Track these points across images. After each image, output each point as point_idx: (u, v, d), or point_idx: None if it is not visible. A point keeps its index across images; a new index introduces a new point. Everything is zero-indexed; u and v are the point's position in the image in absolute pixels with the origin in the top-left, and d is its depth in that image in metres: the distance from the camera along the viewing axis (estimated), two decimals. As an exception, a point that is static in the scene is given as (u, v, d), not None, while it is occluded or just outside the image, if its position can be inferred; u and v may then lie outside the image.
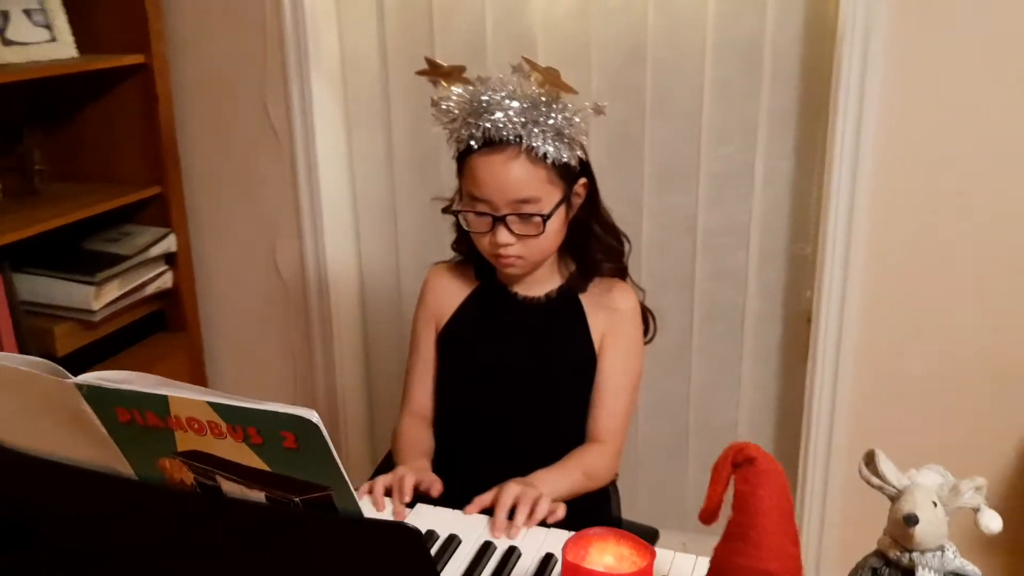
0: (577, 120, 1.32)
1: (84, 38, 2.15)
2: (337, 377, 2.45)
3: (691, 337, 2.22)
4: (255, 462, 0.79)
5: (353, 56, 2.29)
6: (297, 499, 0.81)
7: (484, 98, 1.30)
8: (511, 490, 1.21)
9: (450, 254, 2.30)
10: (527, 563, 1.13)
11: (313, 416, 0.73)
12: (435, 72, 1.37)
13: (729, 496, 0.89)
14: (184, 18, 2.24)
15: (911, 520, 0.78)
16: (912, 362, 1.97)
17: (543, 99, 1.31)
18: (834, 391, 2.04)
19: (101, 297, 2.10)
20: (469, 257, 1.52)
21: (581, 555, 0.90)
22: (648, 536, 1.51)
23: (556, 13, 2.11)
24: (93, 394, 0.80)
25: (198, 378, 2.45)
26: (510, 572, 1.12)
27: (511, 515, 1.20)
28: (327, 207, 2.30)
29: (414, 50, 2.24)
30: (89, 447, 0.86)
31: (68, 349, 2.10)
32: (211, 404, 0.76)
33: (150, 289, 2.26)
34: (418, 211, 2.37)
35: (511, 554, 1.14)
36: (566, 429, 1.47)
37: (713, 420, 2.27)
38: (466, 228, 1.38)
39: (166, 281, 2.31)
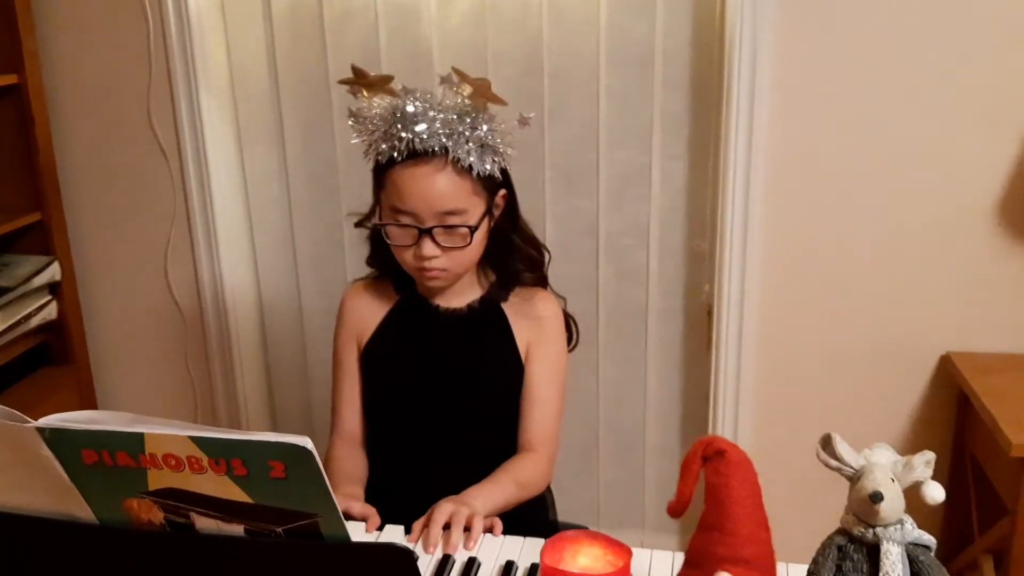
0: (502, 130, 1.33)
1: (-54, 58, 2.01)
2: (239, 402, 2.37)
3: (597, 336, 2.27)
4: (236, 495, 0.77)
5: (241, 71, 2.23)
6: (279, 529, 0.79)
7: (409, 109, 1.29)
8: (444, 509, 1.20)
9: (352, 270, 2.31)
10: (488, 572, 1.13)
11: (308, 443, 0.71)
12: (360, 81, 1.34)
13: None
14: (58, 36, 2.13)
15: (877, 497, 0.83)
16: (809, 348, 2.08)
17: (469, 110, 1.31)
18: (737, 378, 2.13)
19: (-16, 333, 1.96)
20: (386, 272, 1.50)
21: (557, 559, 0.91)
22: (579, 535, 1.54)
23: (451, 23, 2.12)
24: (56, 437, 0.76)
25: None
26: (474, 583, 1.12)
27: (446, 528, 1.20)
28: (222, 226, 2.23)
29: (305, 64, 2.21)
30: (48, 493, 0.81)
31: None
32: (193, 439, 0.73)
33: (34, 321, 2.13)
34: (316, 228, 2.33)
35: (471, 566, 1.14)
36: (496, 438, 1.47)
37: (622, 415, 2.33)
38: (388, 242, 1.36)
39: (50, 312, 2.19)
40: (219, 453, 0.73)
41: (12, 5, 2.01)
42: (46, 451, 0.77)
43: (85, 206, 2.25)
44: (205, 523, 0.80)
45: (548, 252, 1.50)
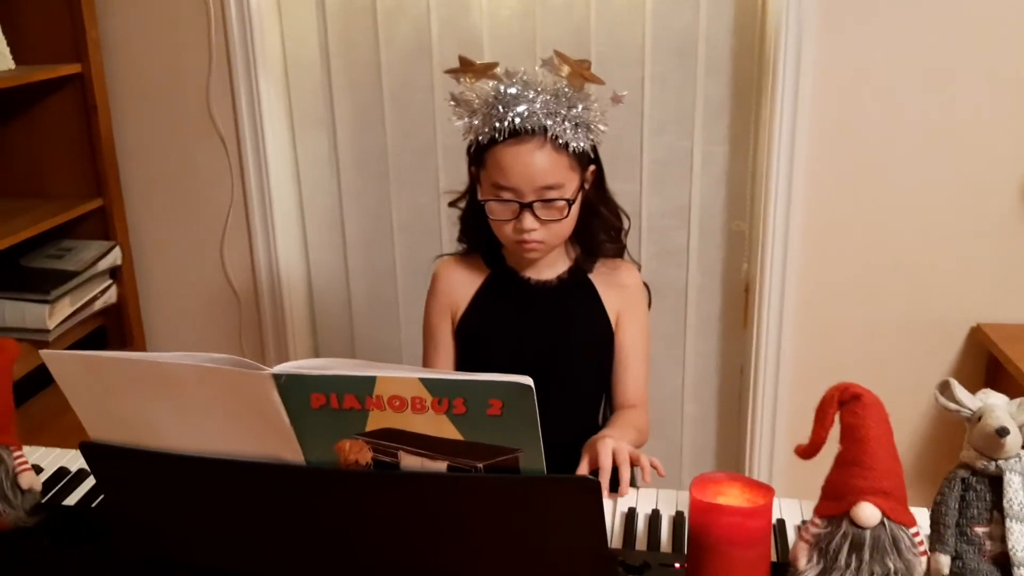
0: (596, 108, 1.42)
1: (14, 49, 2.05)
2: (290, 381, 2.44)
3: (638, 315, 2.36)
4: (448, 432, 0.85)
5: (295, 59, 2.30)
6: (480, 464, 0.88)
7: (511, 91, 1.37)
8: (605, 450, 1.28)
9: (400, 252, 2.39)
10: (609, 520, 1.22)
11: (529, 381, 0.80)
12: (469, 70, 1.42)
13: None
14: (121, 26, 2.18)
15: (1004, 432, 0.93)
16: (845, 322, 2.19)
17: (565, 91, 1.40)
18: (778, 353, 2.24)
19: (55, 315, 2.02)
20: (476, 247, 1.58)
21: (707, 494, 1.01)
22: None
23: (501, 14, 2.20)
24: (291, 383, 0.84)
25: (144, 394, 2.38)
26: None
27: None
28: (279, 210, 2.30)
29: (356, 52, 2.28)
30: (259, 439, 0.89)
31: (21, 373, 2.00)
32: (422, 380, 0.81)
33: (98, 305, 2.19)
34: (364, 211, 2.40)
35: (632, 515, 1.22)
36: (589, 404, 1.57)
37: (661, 388, 2.43)
38: (490, 217, 1.44)
39: (111, 296, 2.24)
40: (444, 392, 0.82)
41: (76, -5, 2.07)
42: (275, 396, 0.85)
43: (144, 192, 2.31)
44: (411, 461, 0.88)
45: (628, 218, 1.59)
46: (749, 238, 2.26)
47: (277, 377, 0.83)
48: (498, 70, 1.42)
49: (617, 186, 2.25)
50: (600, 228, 1.54)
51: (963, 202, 2.06)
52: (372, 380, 0.82)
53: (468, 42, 2.22)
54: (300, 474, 0.90)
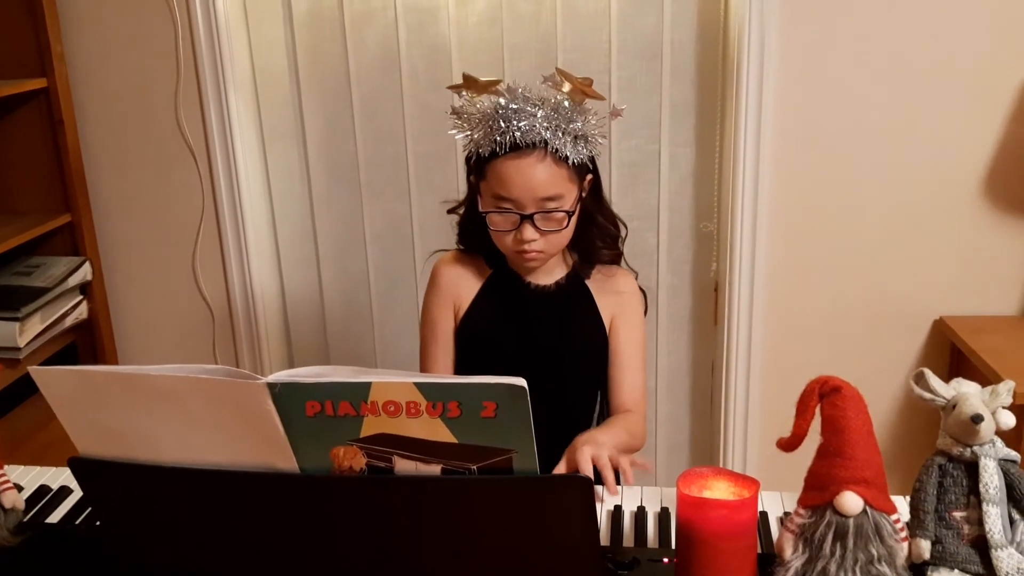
0: (594, 123, 1.45)
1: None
2: (265, 393, 2.43)
3: (611, 316, 2.39)
4: (442, 435, 0.86)
5: (264, 70, 2.30)
6: (474, 466, 0.89)
7: (512, 107, 1.39)
8: (585, 453, 1.29)
9: (372, 261, 2.39)
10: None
11: (523, 382, 0.81)
12: (472, 86, 1.44)
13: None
14: (85, 39, 2.17)
15: (978, 419, 0.97)
16: (812, 318, 2.24)
17: (565, 105, 1.42)
18: (749, 350, 2.28)
19: (26, 332, 2.00)
20: (475, 249, 1.59)
21: (692, 489, 1.03)
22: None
23: (469, 21, 2.22)
24: (286, 391, 0.84)
25: (117, 410, 2.36)
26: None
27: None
28: (250, 223, 2.29)
29: (325, 62, 2.28)
30: (253, 448, 0.90)
31: (-7, 392, 1.98)
32: (417, 384, 0.82)
33: (68, 321, 2.17)
34: (336, 222, 2.41)
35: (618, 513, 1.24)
36: (584, 408, 1.59)
37: (636, 391, 2.46)
38: (491, 228, 1.46)
39: (82, 312, 2.22)
40: (438, 396, 0.83)
41: (39, 9, 2.05)
42: (269, 405, 0.85)
43: (114, 207, 2.29)
44: (405, 465, 0.89)
45: (625, 227, 1.61)
46: (717, 238, 2.30)
47: (272, 386, 0.84)
48: (501, 86, 1.44)
49: (587, 190, 2.33)
50: (597, 236, 1.57)
51: (925, 197, 2.12)
52: (367, 386, 0.83)
53: (436, 50, 2.24)
54: (295, 482, 0.91)
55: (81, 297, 2.21)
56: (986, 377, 1.92)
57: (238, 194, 2.25)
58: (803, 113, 2.10)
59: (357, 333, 2.48)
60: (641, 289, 1.63)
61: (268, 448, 0.89)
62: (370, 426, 0.87)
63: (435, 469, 0.90)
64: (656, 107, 2.25)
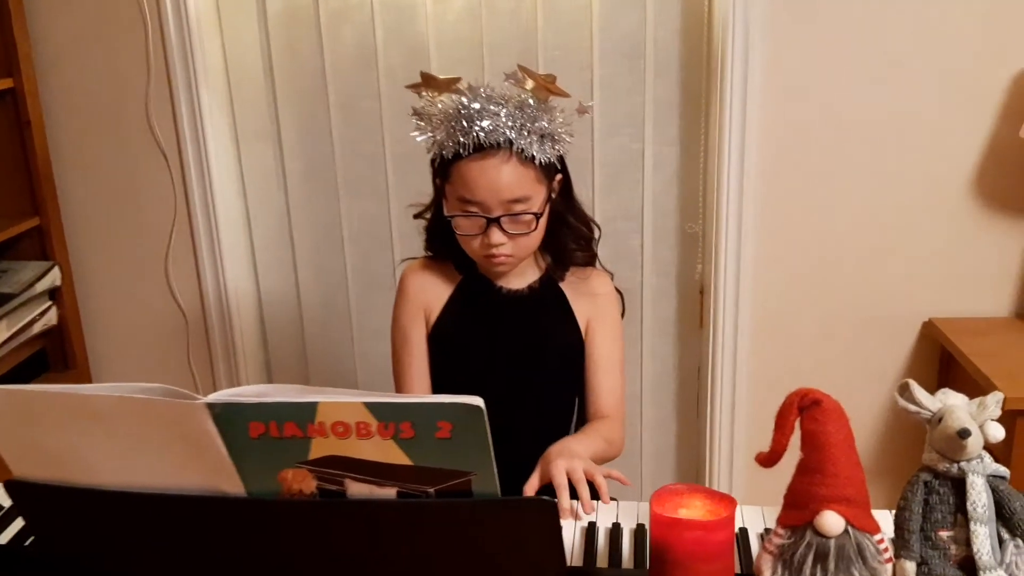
0: (560, 121, 1.39)
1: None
2: (242, 399, 2.38)
3: (595, 319, 2.34)
4: (396, 457, 0.81)
5: (238, 70, 2.24)
6: (432, 489, 0.84)
7: (475, 106, 1.34)
8: (559, 467, 1.25)
9: (350, 263, 2.34)
10: (570, 537, 1.19)
11: (480, 402, 0.76)
12: (431, 85, 1.39)
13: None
14: (53, 39, 2.11)
15: (965, 433, 0.92)
16: (799, 321, 2.19)
17: (529, 103, 1.37)
18: (735, 353, 2.23)
19: (-9, 340, 1.94)
20: (443, 255, 1.54)
21: (666, 508, 0.98)
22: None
23: (447, 19, 2.16)
24: (226, 412, 0.79)
25: (90, 418, 2.30)
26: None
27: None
28: (224, 225, 2.24)
29: (300, 61, 2.23)
30: (197, 471, 0.85)
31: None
32: (367, 404, 0.77)
33: (36, 327, 2.11)
34: (313, 223, 2.35)
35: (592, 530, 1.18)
36: (555, 411, 1.54)
37: (620, 395, 2.41)
38: (457, 232, 1.41)
39: (51, 318, 2.17)
40: (390, 416, 0.78)
41: (4, 7, 1.99)
42: (210, 427, 0.80)
43: (83, 210, 2.23)
44: (358, 489, 0.84)
45: (599, 228, 1.56)
46: (703, 239, 2.25)
47: (212, 406, 0.79)
48: (461, 84, 1.38)
49: (570, 190, 2.27)
50: (569, 238, 1.52)
51: (914, 196, 2.07)
52: (314, 406, 0.78)
53: (414, 48, 2.18)
54: (242, 506, 0.86)
55: (50, 303, 2.16)
56: (976, 382, 1.88)
57: (211, 196, 2.20)
58: (789, 112, 2.05)
59: (336, 336, 2.42)
60: (618, 290, 1.58)
61: (213, 471, 0.84)
62: (319, 448, 0.81)
63: (390, 492, 0.84)
64: (640, 105, 2.20)
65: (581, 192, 2.20)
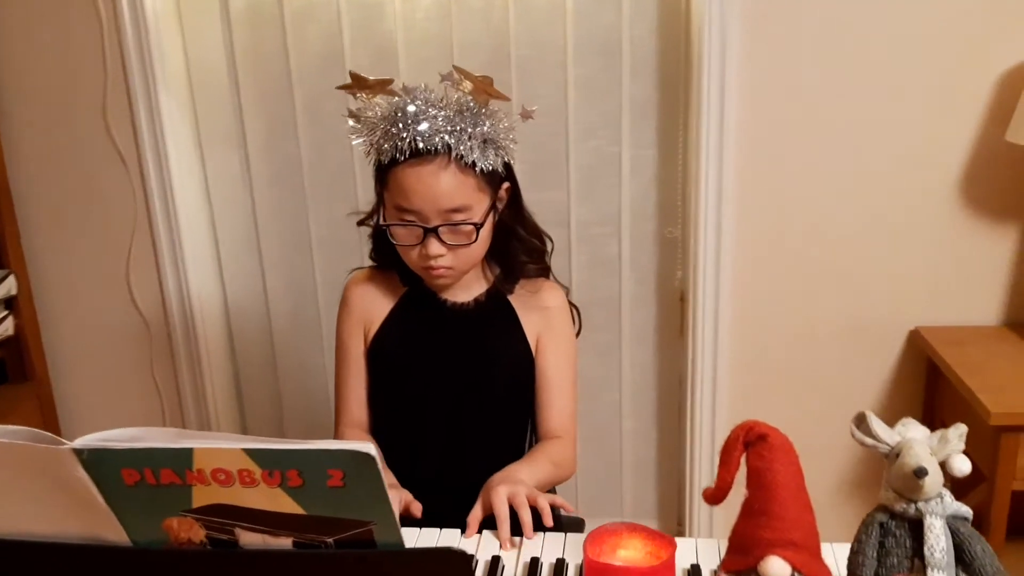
0: (504, 126, 1.31)
1: None
2: (209, 409, 2.31)
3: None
4: (287, 506, 0.74)
5: (199, 71, 2.17)
6: (330, 539, 0.77)
7: (410, 108, 1.27)
8: (501, 495, 1.18)
9: (320, 270, 2.27)
10: (512, 570, 1.12)
11: (371, 449, 0.69)
12: (360, 86, 1.31)
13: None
14: (5, 37, 2.03)
15: (921, 472, 0.84)
16: (782, 329, 2.11)
17: (470, 106, 1.29)
18: (715, 362, 2.15)
19: (-60, 353, 1.88)
20: (387, 265, 1.47)
21: (598, 552, 0.91)
22: (576, 525, 1.53)
23: (416, 17, 2.09)
24: (95, 458, 0.72)
25: (51, 430, 2.24)
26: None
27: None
28: (186, 231, 2.16)
29: (265, 62, 2.16)
30: (77, 518, 0.78)
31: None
32: (247, 451, 0.70)
33: (-9, 338, 2.05)
34: (281, 229, 2.28)
35: (495, 566, 1.12)
36: (506, 431, 1.46)
37: (597, 402, 2.34)
38: (393, 242, 1.34)
39: (7, 328, 2.10)
40: (274, 464, 0.71)
41: (-47, 8, 1.92)
42: (81, 473, 0.73)
43: (40, 216, 2.16)
44: (251, 538, 0.77)
45: (551, 240, 1.49)
46: (683, 244, 2.17)
47: (79, 452, 0.72)
48: (394, 85, 1.31)
49: (544, 194, 2.19)
50: (520, 250, 1.44)
51: (899, 201, 1.99)
52: (189, 452, 0.71)
53: (382, 48, 2.11)
54: (125, 556, 0.79)
55: (6, 312, 2.09)
56: (961, 395, 1.80)
57: (172, 201, 2.12)
58: (769, 113, 1.97)
59: (305, 343, 2.35)
60: (573, 305, 1.50)
61: (92, 519, 0.77)
62: (202, 496, 0.74)
63: (286, 543, 0.77)
64: (616, 106, 2.12)
65: (557, 195, 2.18)
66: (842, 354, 2.09)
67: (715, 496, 0.90)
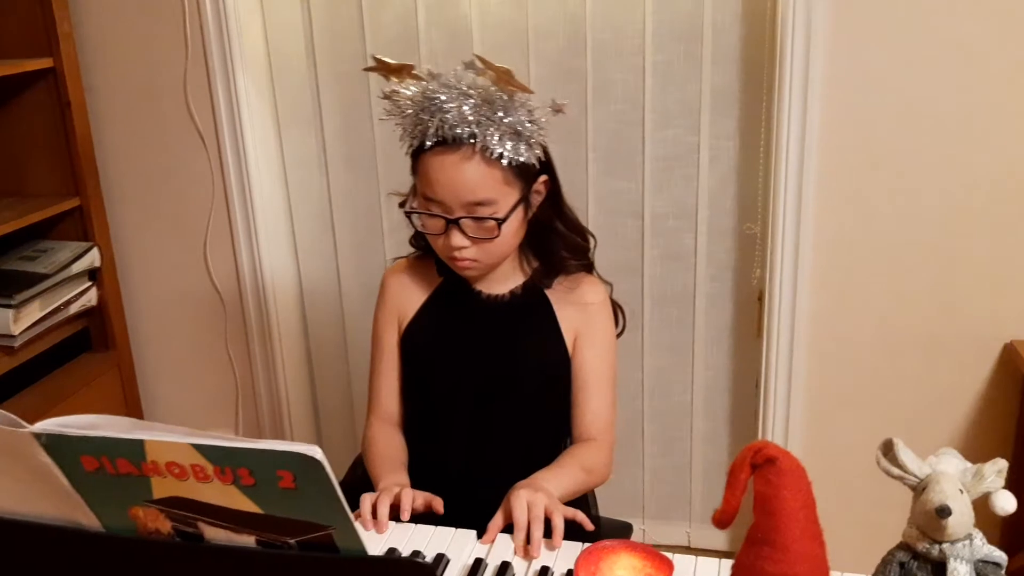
0: (535, 117, 1.26)
1: (-18, 43, 2.00)
2: (280, 385, 2.35)
3: (642, 322, 2.20)
4: (245, 505, 0.72)
5: (278, 53, 2.19)
6: (292, 541, 0.74)
7: (440, 95, 1.23)
8: (521, 504, 1.14)
9: (391, 253, 2.27)
10: (521, 578, 1.08)
11: (316, 453, 0.66)
12: (383, 69, 1.29)
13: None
14: (93, 18, 2.10)
15: (944, 512, 0.75)
16: (864, 336, 1.98)
17: (500, 96, 1.24)
18: (789, 367, 2.04)
19: (21, 320, 1.96)
20: (428, 252, 1.44)
21: (593, 570, 0.85)
22: (620, 531, 1.47)
23: (491, 1, 2.04)
24: (54, 443, 0.71)
25: (131, 398, 2.32)
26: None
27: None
28: (260, 211, 2.20)
29: (343, 45, 2.16)
30: (49, 500, 0.78)
31: (-13, 376, 1.96)
32: (196, 446, 0.68)
33: (74, 308, 2.12)
34: (355, 211, 2.29)
35: (505, 571, 1.08)
36: (538, 428, 1.41)
37: (668, 403, 2.26)
38: (420, 229, 1.31)
39: (90, 298, 2.18)
40: (225, 461, 0.69)
41: (45, -14, 1.99)
42: (45, 457, 0.73)
43: (124, 191, 2.24)
44: (215, 533, 0.76)
45: (594, 238, 1.43)
46: (761, 241, 2.07)
47: (38, 436, 0.71)
48: (418, 70, 1.27)
49: (617, 184, 2.13)
50: (561, 247, 1.39)
51: (994, 202, 1.83)
52: (141, 444, 0.70)
53: (457, 31, 2.08)
54: (100, 541, 0.78)
55: (90, 283, 2.17)
56: (1056, 418, 1.65)
57: (247, 180, 2.16)
58: (856, 106, 1.84)
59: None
60: (615, 303, 1.43)
61: (63, 501, 0.77)
62: (161, 487, 0.73)
63: (249, 540, 0.75)
64: (696, 95, 2.03)
65: (631, 186, 2.10)
66: (927, 365, 1.95)
67: (721, 519, 0.83)
